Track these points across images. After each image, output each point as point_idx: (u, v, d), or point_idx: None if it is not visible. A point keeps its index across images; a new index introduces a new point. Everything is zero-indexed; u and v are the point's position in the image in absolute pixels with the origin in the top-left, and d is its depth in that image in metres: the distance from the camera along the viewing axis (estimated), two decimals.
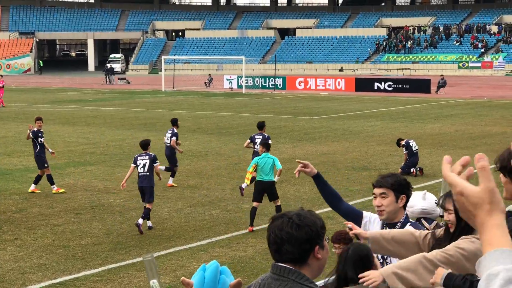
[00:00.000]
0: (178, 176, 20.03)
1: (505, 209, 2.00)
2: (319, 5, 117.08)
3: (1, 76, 49.49)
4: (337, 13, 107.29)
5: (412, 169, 21.01)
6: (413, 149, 21.29)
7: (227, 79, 65.56)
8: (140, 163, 15.30)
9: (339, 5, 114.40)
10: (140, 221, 14.80)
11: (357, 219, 5.89)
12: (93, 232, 14.84)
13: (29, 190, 18.73)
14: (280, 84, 63.13)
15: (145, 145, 15.69)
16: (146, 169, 15.24)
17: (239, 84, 62.66)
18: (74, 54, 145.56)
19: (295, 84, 63.12)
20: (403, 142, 21.70)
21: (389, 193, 5.69)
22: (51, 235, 14.61)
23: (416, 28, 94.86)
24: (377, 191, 5.70)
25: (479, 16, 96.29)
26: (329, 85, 61.48)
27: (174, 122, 20.41)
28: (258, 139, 18.47)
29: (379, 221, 5.85)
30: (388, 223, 5.78)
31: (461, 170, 2.07)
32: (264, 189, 15.17)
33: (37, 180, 18.88)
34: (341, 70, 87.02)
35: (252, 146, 18.90)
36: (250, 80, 64.30)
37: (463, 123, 33.98)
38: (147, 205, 15.09)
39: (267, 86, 63.62)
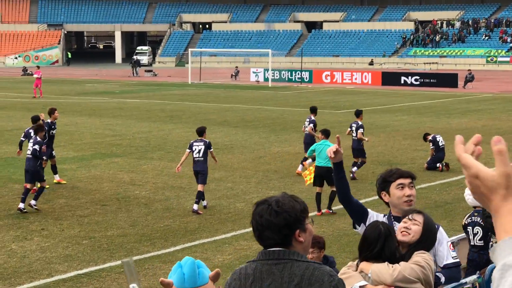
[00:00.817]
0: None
1: None
2: None
3: (38, 67, 49.85)
4: (365, 7, 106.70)
5: (438, 164, 20.91)
6: (440, 144, 21.17)
7: (253, 72, 65.53)
8: (195, 149, 16.24)
9: None
10: (195, 207, 15.83)
11: (364, 215, 5.93)
12: (119, 223, 14.94)
13: (54, 181, 18.90)
14: (306, 78, 62.99)
15: (201, 132, 16.61)
16: (201, 155, 16.21)
17: (266, 77, 62.62)
18: (101, 46, 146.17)
19: (322, 77, 62.93)
20: (429, 137, 21.59)
21: (414, 183, 5.73)
22: (77, 226, 14.73)
23: (445, 22, 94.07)
24: (405, 181, 5.65)
25: (509, 10, 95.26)
26: (356, 79, 61.25)
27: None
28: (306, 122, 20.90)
29: (382, 217, 5.85)
30: (398, 216, 5.74)
31: (474, 149, 2.01)
32: (322, 174, 15.95)
33: (54, 169, 19.01)
34: (371, 63, 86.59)
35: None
36: (276, 73, 64.24)
37: (491, 118, 33.68)
38: (199, 188, 16.01)
39: (293, 79, 63.51)
